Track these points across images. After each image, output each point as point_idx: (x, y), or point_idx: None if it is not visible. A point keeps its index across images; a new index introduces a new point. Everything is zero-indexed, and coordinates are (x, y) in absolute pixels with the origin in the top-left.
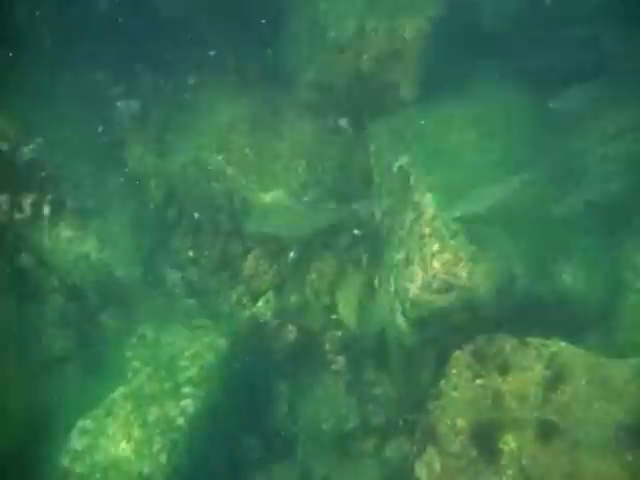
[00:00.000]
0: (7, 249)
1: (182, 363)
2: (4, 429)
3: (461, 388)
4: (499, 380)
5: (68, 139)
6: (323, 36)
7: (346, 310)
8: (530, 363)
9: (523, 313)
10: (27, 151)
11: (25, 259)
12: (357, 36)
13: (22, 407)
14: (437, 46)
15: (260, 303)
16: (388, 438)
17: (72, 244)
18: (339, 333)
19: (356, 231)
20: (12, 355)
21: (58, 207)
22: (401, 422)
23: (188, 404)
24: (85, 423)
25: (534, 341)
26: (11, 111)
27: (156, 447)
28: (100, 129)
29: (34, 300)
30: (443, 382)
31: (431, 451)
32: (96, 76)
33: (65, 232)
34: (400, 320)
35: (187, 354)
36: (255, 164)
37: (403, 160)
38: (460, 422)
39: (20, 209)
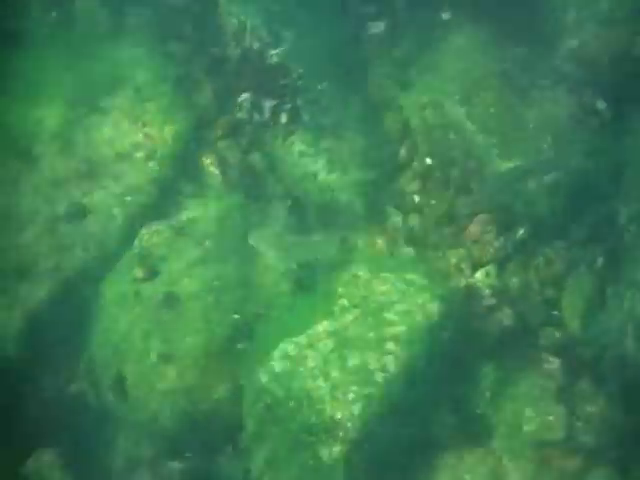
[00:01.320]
0: (242, 147)
1: (390, 317)
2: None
3: None
4: None
5: (314, 51)
6: (596, 3)
7: (570, 310)
8: None
9: None
10: (274, 55)
11: (257, 160)
12: (635, 12)
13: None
14: None
15: (479, 274)
16: (594, 465)
17: (302, 159)
18: (558, 333)
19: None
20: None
21: (294, 118)
22: (613, 454)
23: (390, 361)
24: (288, 347)
25: None
26: (267, 13)
27: (351, 396)
28: (346, 47)
29: (259, 201)
30: None
31: None
32: None
33: (297, 145)
34: (629, 345)
35: (397, 308)
36: (497, 127)
37: None
38: None
39: (260, 111)
